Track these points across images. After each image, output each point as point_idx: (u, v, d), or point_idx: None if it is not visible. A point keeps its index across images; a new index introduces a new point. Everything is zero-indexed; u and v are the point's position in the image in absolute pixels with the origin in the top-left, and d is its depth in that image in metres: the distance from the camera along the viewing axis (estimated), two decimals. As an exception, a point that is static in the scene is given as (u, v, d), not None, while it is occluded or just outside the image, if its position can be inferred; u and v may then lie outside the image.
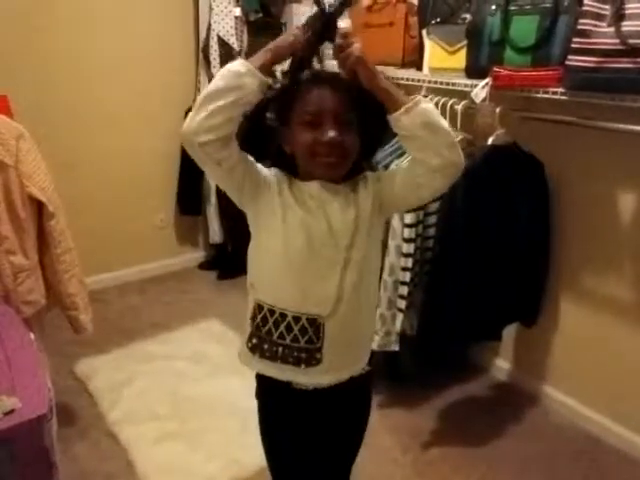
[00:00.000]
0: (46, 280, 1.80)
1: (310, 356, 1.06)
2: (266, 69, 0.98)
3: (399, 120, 0.97)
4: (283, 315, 1.05)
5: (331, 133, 0.98)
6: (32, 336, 1.43)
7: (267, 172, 1.08)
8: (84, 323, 1.85)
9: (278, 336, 1.06)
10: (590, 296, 1.92)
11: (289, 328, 1.05)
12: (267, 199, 1.05)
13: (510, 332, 2.12)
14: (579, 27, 1.46)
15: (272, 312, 1.06)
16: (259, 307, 1.08)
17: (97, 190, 2.80)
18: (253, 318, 1.09)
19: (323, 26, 1.01)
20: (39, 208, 1.73)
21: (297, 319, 1.04)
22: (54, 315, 1.89)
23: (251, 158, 1.06)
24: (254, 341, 1.09)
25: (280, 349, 1.06)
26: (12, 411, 1.12)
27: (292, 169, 1.08)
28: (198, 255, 3.28)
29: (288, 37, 1.01)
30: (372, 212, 1.07)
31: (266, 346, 1.08)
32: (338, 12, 1.02)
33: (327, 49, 1.09)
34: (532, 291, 1.93)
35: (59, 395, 1.38)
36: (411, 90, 2.02)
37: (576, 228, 1.91)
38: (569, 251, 1.94)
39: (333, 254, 1.04)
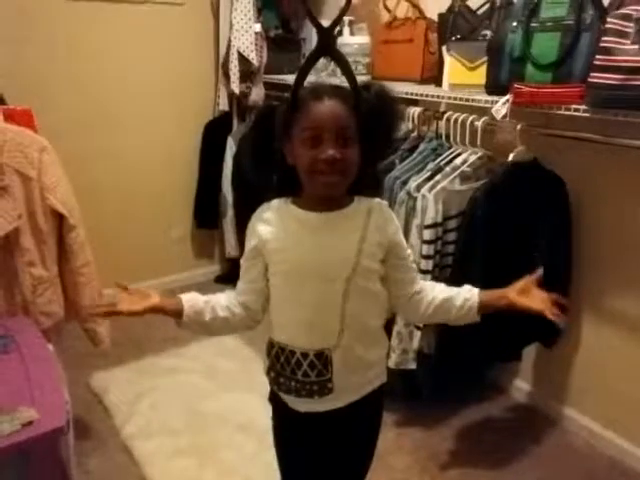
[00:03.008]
0: (65, 292, 1.81)
1: (322, 387, 1.07)
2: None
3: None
4: (292, 352, 1.07)
5: (330, 151, 0.97)
6: (51, 348, 1.44)
7: (263, 244, 1.08)
8: (102, 336, 1.86)
9: (290, 372, 1.08)
10: (612, 317, 1.88)
11: (299, 364, 1.06)
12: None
13: (530, 352, 2.09)
14: (602, 44, 1.45)
15: (282, 349, 1.08)
16: (271, 344, 1.11)
17: (115, 203, 2.83)
18: (268, 353, 1.12)
19: (319, 41, 1.02)
20: (60, 220, 1.75)
21: (305, 355, 1.06)
22: (70, 327, 1.90)
23: (259, 267, 1.09)
24: (272, 374, 1.12)
25: (293, 383, 1.08)
26: (30, 423, 1.12)
27: (294, 185, 1.06)
28: (214, 269, 3.28)
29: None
30: (377, 250, 1.06)
31: (282, 380, 1.10)
32: (331, 29, 1.03)
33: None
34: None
35: (74, 408, 1.38)
36: (430, 105, 2.03)
37: (598, 247, 1.87)
38: (591, 270, 1.90)
39: (332, 289, 1.04)
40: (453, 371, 1.88)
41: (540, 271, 1.12)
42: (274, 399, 1.19)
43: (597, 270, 1.89)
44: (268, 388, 1.19)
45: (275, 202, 1.09)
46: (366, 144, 1.02)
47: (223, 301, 1.13)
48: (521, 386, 2.21)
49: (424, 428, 2.01)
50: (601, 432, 1.95)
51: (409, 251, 1.14)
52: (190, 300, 1.11)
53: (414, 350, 1.87)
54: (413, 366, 1.89)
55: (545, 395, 2.13)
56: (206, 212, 3.08)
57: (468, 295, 1.13)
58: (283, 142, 1.03)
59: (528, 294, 1.10)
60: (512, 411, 2.15)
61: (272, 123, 1.03)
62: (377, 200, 1.10)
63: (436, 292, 1.14)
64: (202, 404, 2.10)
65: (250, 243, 1.09)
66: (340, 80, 1.05)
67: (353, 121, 1.00)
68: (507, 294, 1.12)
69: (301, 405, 1.12)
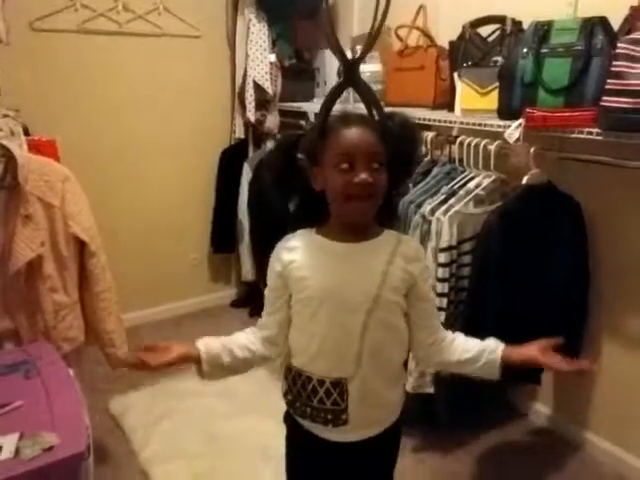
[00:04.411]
0: (85, 317, 1.84)
1: (336, 417, 1.07)
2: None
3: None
4: (309, 378, 1.08)
5: (363, 175, 0.99)
6: (71, 373, 1.46)
7: (285, 278, 1.09)
8: (121, 360, 1.88)
9: (306, 397, 1.09)
10: (633, 338, 1.86)
11: (315, 391, 1.07)
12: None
13: (550, 375, 2.06)
14: (613, 69, 1.47)
15: (300, 375, 1.09)
16: (289, 368, 1.12)
17: (133, 229, 2.88)
18: (286, 376, 1.13)
19: (346, 73, 1.07)
20: (81, 247, 1.79)
21: (321, 382, 1.07)
22: (87, 351, 1.92)
23: (283, 296, 1.10)
24: (289, 397, 1.13)
25: (308, 410, 1.09)
26: (51, 448, 1.13)
27: (318, 211, 1.08)
28: (230, 293, 3.31)
29: None
30: (400, 284, 1.06)
31: (298, 404, 1.11)
32: (358, 61, 1.08)
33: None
34: (571, 333, 1.88)
35: (93, 432, 1.39)
36: (443, 130, 2.05)
37: (616, 269, 1.86)
38: (609, 292, 1.88)
39: (352, 319, 1.04)
40: (471, 395, 1.86)
41: (559, 340, 1.11)
42: (289, 420, 1.19)
43: (616, 292, 1.87)
44: (284, 410, 1.19)
45: (300, 232, 1.11)
46: (391, 171, 1.05)
47: (241, 340, 1.12)
48: (541, 410, 2.17)
49: (443, 453, 1.99)
50: (625, 457, 1.91)
51: (432, 295, 1.14)
52: (205, 345, 1.10)
53: (431, 373, 1.86)
54: (431, 390, 1.87)
55: (566, 419, 2.10)
56: (223, 237, 3.12)
57: (491, 357, 1.10)
58: (310, 168, 1.06)
59: (547, 354, 1.09)
60: (532, 435, 2.12)
61: (295, 152, 1.07)
62: (409, 237, 1.13)
63: (459, 352, 1.12)
64: (219, 427, 2.10)
65: (274, 270, 1.10)
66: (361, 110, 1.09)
67: (382, 148, 1.02)
68: (531, 352, 1.10)
69: (315, 430, 1.12)
